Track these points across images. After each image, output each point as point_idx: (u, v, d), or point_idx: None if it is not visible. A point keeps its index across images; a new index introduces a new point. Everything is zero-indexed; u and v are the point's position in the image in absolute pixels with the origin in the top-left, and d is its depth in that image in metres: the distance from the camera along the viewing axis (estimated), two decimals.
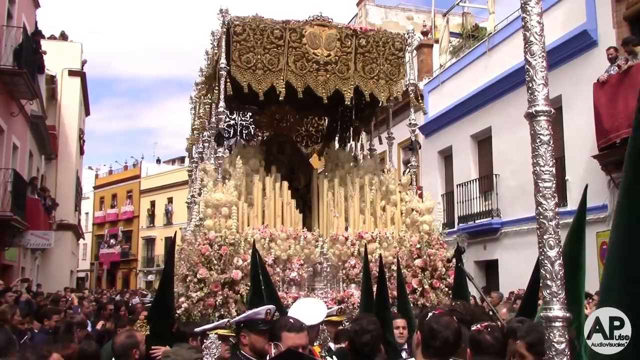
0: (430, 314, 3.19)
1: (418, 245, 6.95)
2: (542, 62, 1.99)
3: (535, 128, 1.99)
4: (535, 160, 1.99)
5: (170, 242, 5.01)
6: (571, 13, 12.94)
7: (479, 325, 3.08)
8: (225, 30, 7.25)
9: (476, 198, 16.27)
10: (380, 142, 9.49)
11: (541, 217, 1.95)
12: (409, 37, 7.86)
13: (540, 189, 1.95)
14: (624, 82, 10.74)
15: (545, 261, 1.92)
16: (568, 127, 13.21)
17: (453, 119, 17.12)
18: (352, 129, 9.98)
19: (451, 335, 2.95)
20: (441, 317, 3.11)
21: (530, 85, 2.00)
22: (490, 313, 4.64)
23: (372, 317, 3.75)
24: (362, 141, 10.04)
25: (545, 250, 1.92)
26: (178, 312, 6.02)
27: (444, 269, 6.77)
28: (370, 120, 9.43)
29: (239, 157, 7.35)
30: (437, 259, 6.83)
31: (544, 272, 1.93)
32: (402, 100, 7.88)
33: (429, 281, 6.82)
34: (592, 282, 4.98)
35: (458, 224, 16.54)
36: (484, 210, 15.93)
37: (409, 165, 7.75)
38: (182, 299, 6.17)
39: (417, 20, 20.72)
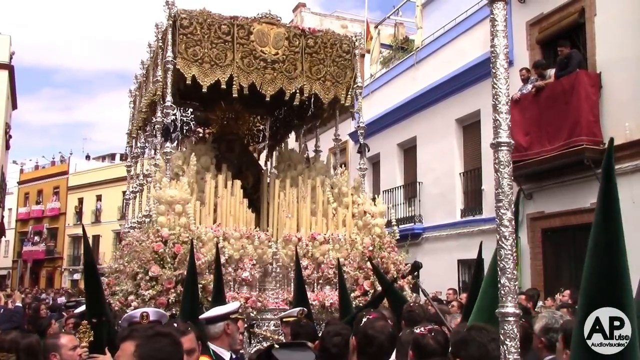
0: (364, 319, 3.04)
1: (371, 248, 6.73)
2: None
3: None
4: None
5: (83, 239, 4.53)
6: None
7: (422, 329, 2.96)
8: (171, 22, 6.79)
9: (401, 204, 16.43)
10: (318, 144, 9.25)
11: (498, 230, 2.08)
12: (356, 40, 7.68)
13: (498, 205, 2.08)
14: (536, 101, 11.14)
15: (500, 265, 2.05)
16: (485, 140, 13.52)
17: (381, 127, 17.18)
18: (292, 130, 9.68)
19: (386, 340, 2.93)
20: (375, 322, 3.02)
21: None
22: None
23: (345, 324, 3.63)
24: (301, 142, 9.78)
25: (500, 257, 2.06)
26: (127, 310, 5.55)
27: (395, 272, 6.56)
28: (313, 121, 9.19)
29: (193, 154, 6.91)
30: (389, 262, 6.63)
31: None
32: (346, 103, 7.67)
33: None
34: None
35: None
36: (407, 216, 16.10)
37: (358, 168, 7.57)
38: (132, 297, 5.69)
39: (351, 29, 20.66)
